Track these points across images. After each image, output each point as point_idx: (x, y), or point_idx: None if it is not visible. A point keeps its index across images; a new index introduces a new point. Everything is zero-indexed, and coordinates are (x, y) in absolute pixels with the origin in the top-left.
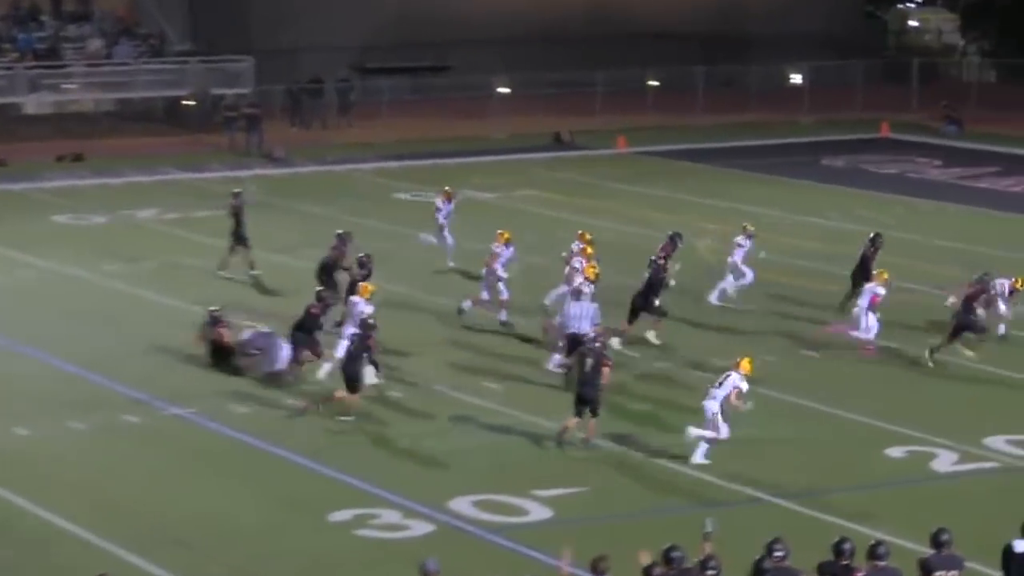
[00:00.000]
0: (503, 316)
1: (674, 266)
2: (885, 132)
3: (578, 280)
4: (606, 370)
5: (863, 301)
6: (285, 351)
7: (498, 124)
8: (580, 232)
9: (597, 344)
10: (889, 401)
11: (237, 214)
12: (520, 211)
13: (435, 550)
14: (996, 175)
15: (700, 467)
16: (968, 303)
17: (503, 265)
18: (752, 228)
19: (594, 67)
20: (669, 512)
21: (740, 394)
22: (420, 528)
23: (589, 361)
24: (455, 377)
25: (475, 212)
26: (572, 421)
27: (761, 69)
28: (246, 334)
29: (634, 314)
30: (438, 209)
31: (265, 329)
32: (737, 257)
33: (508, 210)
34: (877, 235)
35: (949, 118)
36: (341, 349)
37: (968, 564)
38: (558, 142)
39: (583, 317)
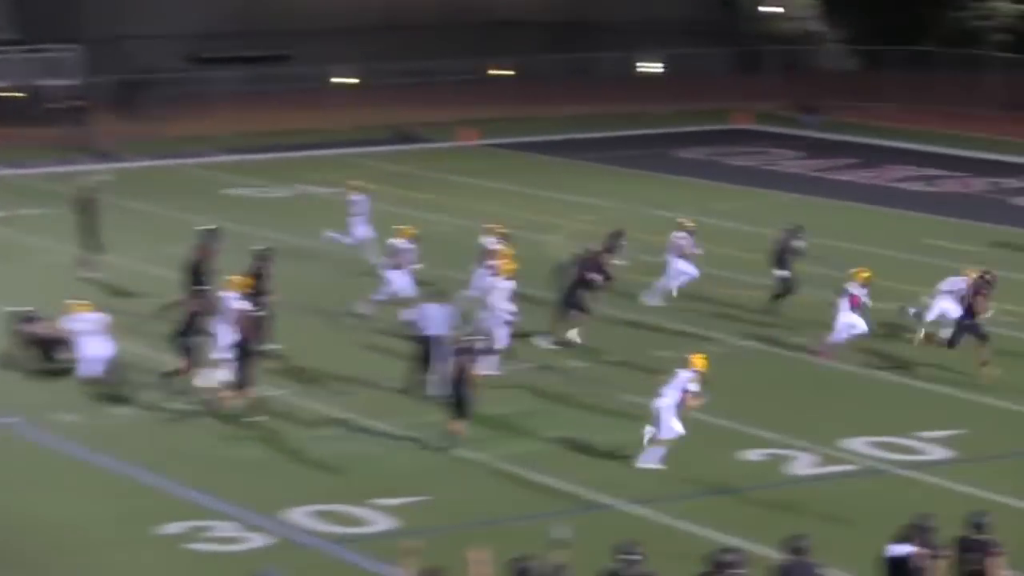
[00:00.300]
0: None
1: (615, 264)
2: (743, 122)
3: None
4: (474, 372)
5: (843, 303)
6: (106, 351)
7: (340, 116)
8: (487, 226)
9: (467, 348)
10: (744, 403)
11: (86, 209)
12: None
13: (273, 563)
14: (856, 166)
15: (555, 473)
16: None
17: (409, 261)
18: (691, 223)
19: (443, 56)
20: (518, 521)
21: (693, 394)
22: (257, 540)
23: (459, 364)
24: (297, 383)
25: (309, 208)
26: (458, 426)
27: (616, 57)
28: (64, 325)
29: (563, 312)
30: (353, 203)
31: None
32: (675, 254)
33: (343, 206)
34: (797, 228)
35: (807, 108)
36: (219, 350)
37: (827, 570)
38: (403, 135)
39: (438, 319)
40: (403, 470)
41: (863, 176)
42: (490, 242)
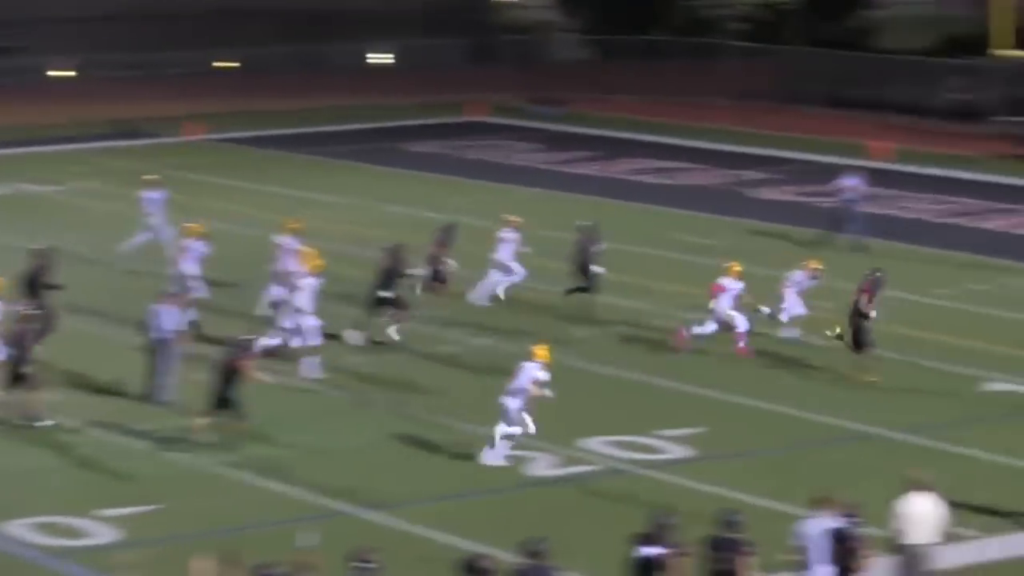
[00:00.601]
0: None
1: (451, 263)
2: (479, 115)
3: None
4: (247, 370)
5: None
6: None
7: (59, 110)
8: (288, 223)
9: (241, 346)
10: (480, 403)
11: None
12: (76, 205)
13: None
14: (594, 159)
15: (293, 479)
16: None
17: (195, 260)
18: (516, 219)
19: (168, 48)
20: (255, 528)
21: (540, 384)
22: None
23: (229, 362)
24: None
25: (28, 207)
26: (202, 423)
27: (349, 49)
28: None
29: (375, 308)
30: (149, 202)
31: None
32: (503, 253)
33: (64, 205)
34: (591, 225)
35: (543, 99)
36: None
37: (565, 573)
38: (124, 129)
39: (167, 320)
40: (135, 478)
41: (601, 169)
42: (286, 241)
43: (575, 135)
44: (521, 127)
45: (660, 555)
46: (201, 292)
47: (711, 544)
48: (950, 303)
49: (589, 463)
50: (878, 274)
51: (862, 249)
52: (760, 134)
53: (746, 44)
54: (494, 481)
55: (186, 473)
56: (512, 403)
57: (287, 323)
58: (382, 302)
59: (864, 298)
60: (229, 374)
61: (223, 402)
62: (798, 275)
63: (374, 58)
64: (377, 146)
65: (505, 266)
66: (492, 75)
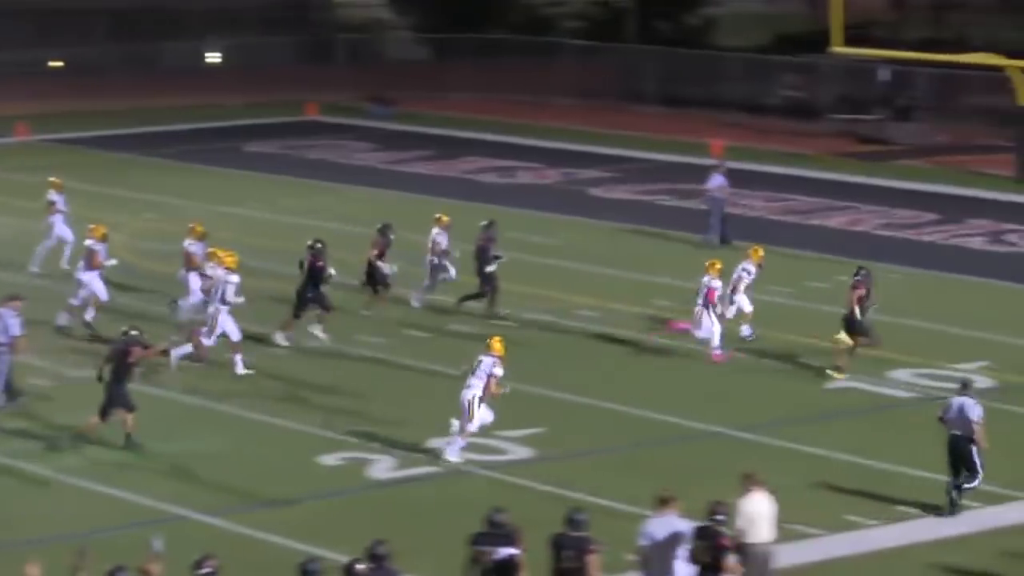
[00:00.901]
0: (90, 314)
1: (392, 266)
2: (315, 114)
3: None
4: (138, 352)
5: (700, 299)
6: None
7: None
8: (191, 226)
9: (131, 341)
10: (322, 406)
11: None
12: None
13: None
14: (430, 158)
15: (129, 485)
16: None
17: (101, 262)
18: (447, 218)
19: None
20: (93, 535)
21: (497, 381)
22: None
23: (113, 359)
24: None
25: None
26: (94, 420)
27: (180, 47)
28: None
29: (300, 307)
30: (52, 202)
31: None
32: (439, 251)
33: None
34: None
35: (378, 99)
36: None
37: (407, 575)
38: None
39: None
40: None
41: (438, 168)
42: (191, 245)
43: (413, 134)
44: (358, 126)
45: (513, 555)
46: (103, 295)
47: (555, 543)
48: (790, 301)
49: (431, 465)
50: (863, 271)
51: (712, 246)
52: (599, 133)
53: (584, 42)
54: (336, 484)
55: (15, 479)
56: (471, 397)
57: (200, 325)
58: (307, 301)
59: (859, 295)
60: (118, 369)
61: (112, 399)
62: (749, 266)
63: (211, 57)
64: (212, 146)
65: (442, 265)
66: (328, 74)
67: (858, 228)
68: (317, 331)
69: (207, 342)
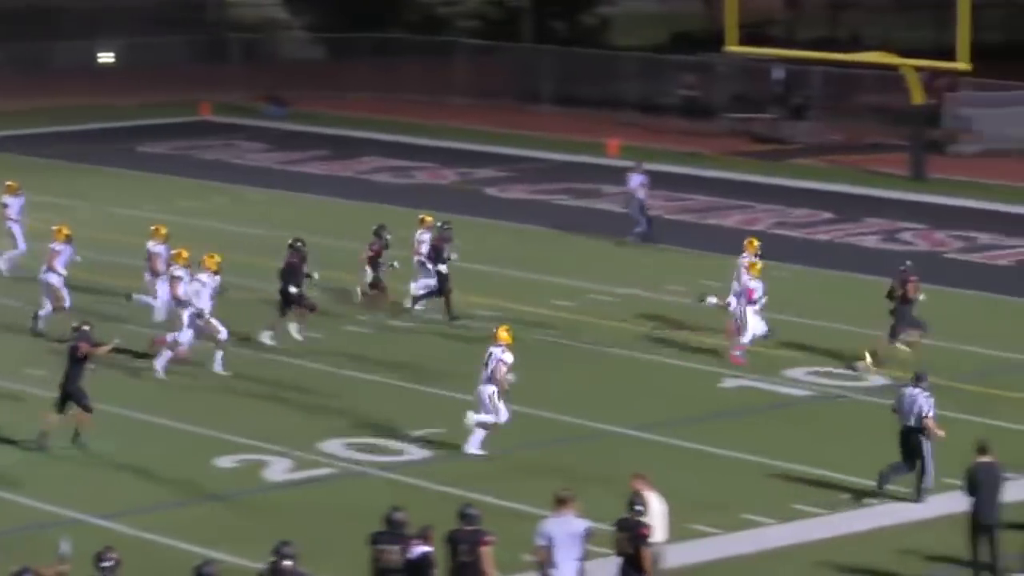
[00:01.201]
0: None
1: (392, 263)
2: (206, 114)
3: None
4: (85, 347)
5: (740, 300)
6: None
7: None
8: (154, 228)
9: (77, 335)
10: (217, 407)
11: None
12: None
13: None
14: (326, 158)
15: (25, 488)
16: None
17: (63, 264)
18: (430, 219)
19: None
20: None
21: (507, 367)
22: None
23: (68, 355)
24: None
25: None
26: (54, 419)
27: (72, 47)
28: None
29: (286, 306)
30: (5, 206)
31: None
32: (422, 252)
33: None
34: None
35: (273, 99)
36: None
37: None
38: None
39: None
40: None
41: (333, 168)
42: (155, 247)
43: (308, 134)
44: (253, 127)
45: (426, 554)
46: (66, 298)
47: (451, 539)
48: (686, 300)
49: (328, 466)
50: (908, 262)
51: (637, 245)
52: (495, 132)
53: (480, 42)
54: (232, 486)
55: None
56: (486, 391)
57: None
58: (289, 300)
59: (909, 288)
60: (71, 365)
61: (67, 395)
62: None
63: (104, 57)
64: (108, 147)
65: (424, 268)
66: (223, 74)
67: (754, 227)
68: (294, 331)
69: (183, 342)
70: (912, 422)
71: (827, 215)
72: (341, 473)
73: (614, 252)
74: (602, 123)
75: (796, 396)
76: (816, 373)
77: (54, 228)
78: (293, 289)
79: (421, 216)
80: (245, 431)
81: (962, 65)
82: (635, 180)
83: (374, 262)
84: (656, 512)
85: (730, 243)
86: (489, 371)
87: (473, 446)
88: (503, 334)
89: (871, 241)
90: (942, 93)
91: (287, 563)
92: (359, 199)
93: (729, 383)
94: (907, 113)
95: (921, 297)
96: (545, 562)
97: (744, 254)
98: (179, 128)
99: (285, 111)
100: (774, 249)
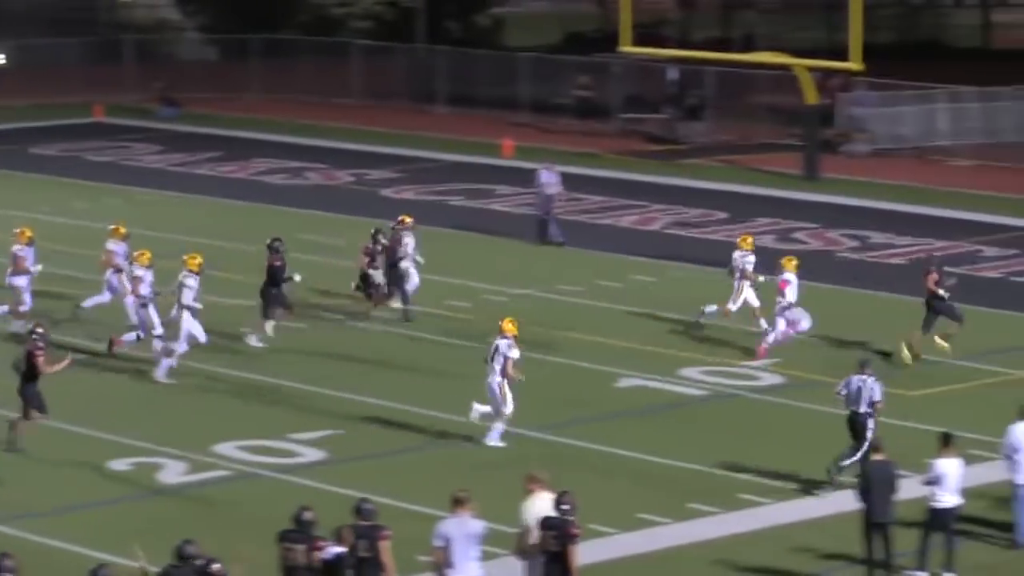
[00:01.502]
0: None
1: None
2: (99, 116)
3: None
4: (39, 361)
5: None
6: None
7: None
8: (113, 227)
9: (33, 338)
10: (109, 410)
11: None
12: None
13: None
14: (218, 160)
15: None
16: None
17: (31, 265)
18: (410, 219)
19: None
20: None
21: (515, 364)
22: None
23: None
24: None
25: None
26: (21, 422)
27: None
28: None
29: (268, 307)
30: None
31: None
32: (410, 253)
33: None
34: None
35: (166, 100)
36: None
37: None
38: None
39: None
40: None
41: (226, 169)
42: (114, 247)
43: (201, 136)
44: (144, 128)
45: (341, 555)
46: (28, 304)
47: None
48: (581, 300)
49: (222, 468)
50: (937, 255)
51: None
52: (389, 133)
53: (373, 43)
54: (125, 490)
55: None
56: (496, 383)
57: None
58: (273, 300)
59: (933, 279)
60: (27, 369)
61: (26, 399)
62: (748, 256)
63: None
64: None
65: (410, 272)
66: (115, 75)
67: (649, 227)
68: (268, 328)
69: (179, 347)
70: (862, 408)
71: (722, 215)
72: (235, 476)
73: (508, 252)
74: (497, 124)
75: (691, 395)
76: (711, 372)
77: (16, 231)
78: (274, 290)
79: (401, 217)
80: (139, 434)
81: (855, 65)
82: (544, 178)
83: (372, 264)
84: (542, 511)
85: (625, 243)
86: (498, 366)
87: (493, 439)
88: (508, 326)
89: (767, 240)
90: (835, 93)
91: (216, 567)
92: (252, 200)
93: (625, 383)
94: (801, 113)
95: (942, 292)
96: (442, 563)
97: (740, 251)
98: (72, 130)
99: (178, 112)
100: (669, 249)
